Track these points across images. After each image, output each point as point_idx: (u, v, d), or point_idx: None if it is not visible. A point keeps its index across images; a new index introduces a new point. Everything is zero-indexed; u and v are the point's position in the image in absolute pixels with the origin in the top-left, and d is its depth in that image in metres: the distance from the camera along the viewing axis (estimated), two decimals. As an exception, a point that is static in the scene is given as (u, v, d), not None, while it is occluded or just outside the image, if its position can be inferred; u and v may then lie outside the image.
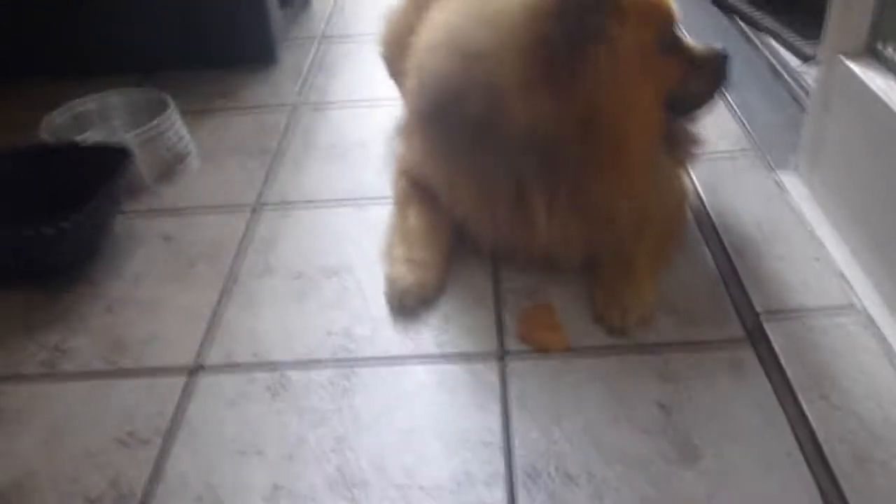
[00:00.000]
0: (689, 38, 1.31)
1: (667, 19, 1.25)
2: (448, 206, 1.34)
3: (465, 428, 1.08)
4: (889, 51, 1.20)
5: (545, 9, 1.15)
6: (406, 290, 1.28)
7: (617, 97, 1.17)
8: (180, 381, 1.18)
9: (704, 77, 1.31)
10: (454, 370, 1.18)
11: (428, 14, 1.52)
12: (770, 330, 1.14)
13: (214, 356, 1.23)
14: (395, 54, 1.74)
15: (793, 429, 1.04)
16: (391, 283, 1.30)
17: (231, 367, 1.21)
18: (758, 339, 1.17)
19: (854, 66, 1.23)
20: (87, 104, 1.80)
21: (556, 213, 1.25)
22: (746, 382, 1.12)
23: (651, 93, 1.23)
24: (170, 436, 1.10)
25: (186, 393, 1.16)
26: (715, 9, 2.18)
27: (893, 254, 1.14)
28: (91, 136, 1.76)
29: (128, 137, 1.61)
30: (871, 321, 1.14)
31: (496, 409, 1.11)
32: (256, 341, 1.25)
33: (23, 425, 1.13)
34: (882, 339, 1.11)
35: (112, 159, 1.47)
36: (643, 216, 1.28)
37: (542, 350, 1.20)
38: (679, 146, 1.33)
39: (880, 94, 1.16)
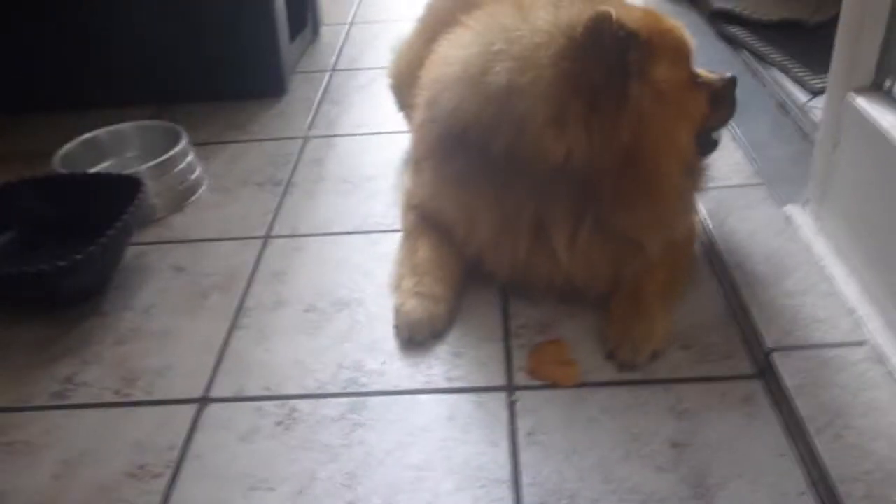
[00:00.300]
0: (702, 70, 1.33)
1: (691, 53, 1.28)
2: (463, 238, 1.35)
3: (477, 464, 1.08)
4: (896, 87, 1.21)
5: (577, 45, 1.17)
6: (416, 323, 1.28)
7: (659, 133, 1.20)
8: (191, 413, 1.19)
9: (722, 107, 1.34)
10: (465, 404, 1.18)
11: (436, 47, 1.54)
12: (781, 366, 1.14)
13: (225, 388, 1.23)
14: (405, 87, 1.76)
15: (805, 467, 1.04)
16: (401, 315, 1.30)
17: (242, 399, 1.21)
18: (769, 374, 1.16)
19: (862, 103, 1.24)
20: (101, 136, 1.82)
21: (580, 244, 1.26)
22: (759, 419, 1.12)
23: (688, 127, 1.26)
24: (181, 469, 1.10)
25: (197, 426, 1.17)
26: (723, 42, 2.19)
27: (904, 290, 1.14)
28: (105, 168, 1.78)
29: (141, 169, 1.63)
30: (883, 357, 1.13)
31: (507, 444, 1.10)
32: (267, 374, 1.25)
33: (34, 458, 1.13)
34: (894, 375, 1.10)
35: (125, 190, 1.49)
36: (667, 246, 1.29)
37: (553, 385, 1.20)
38: (694, 178, 1.34)
39: (888, 130, 1.16)
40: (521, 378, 1.21)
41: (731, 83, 1.35)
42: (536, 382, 1.20)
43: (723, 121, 1.38)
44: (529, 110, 1.19)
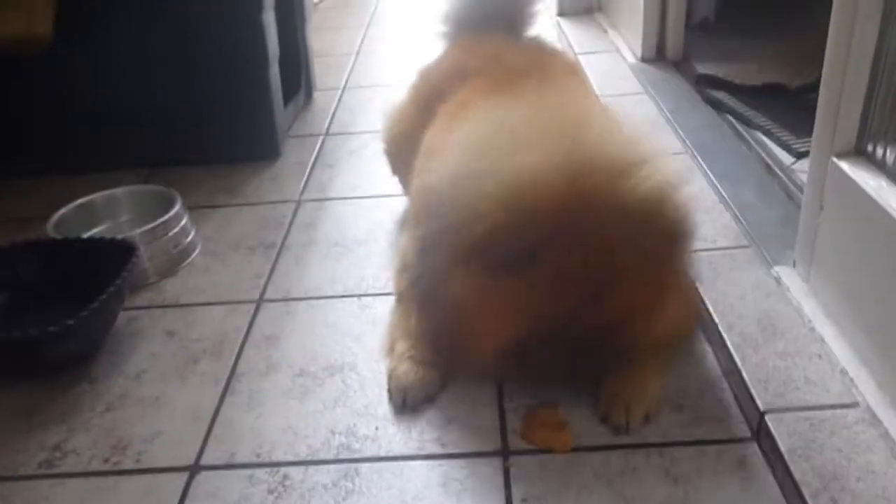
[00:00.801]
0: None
1: None
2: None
3: (470, 532, 1.06)
4: (879, 151, 1.24)
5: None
6: (409, 388, 1.28)
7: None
8: (181, 481, 1.17)
9: None
10: (458, 470, 1.16)
11: (432, 116, 1.57)
12: (775, 428, 1.13)
13: (216, 455, 1.22)
14: (398, 151, 1.80)
15: (803, 532, 1.03)
16: (394, 380, 1.30)
17: (233, 467, 1.19)
18: (763, 437, 1.16)
19: (845, 167, 1.26)
20: (95, 200, 1.83)
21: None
22: (754, 483, 1.11)
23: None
24: (169, 541, 1.08)
25: (187, 495, 1.15)
26: (707, 106, 2.24)
27: (893, 351, 1.15)
28: (99, 233, 1.79)
29: (135, 234, 1.63)
30: (876, 419, 1.13)
31: (501, 511, 1.09)
32: (259, 440, 1.24)
33: (19, 530, 1.11)
34: (888, 438, 1.10)
35: (118, 255, 1.49)
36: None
37: (545, 450, 1.19)
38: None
39: (872, 193, 1.19)
40: (515, 443, 1.20)
41: None
42: (531, 447, 1.20)
43: None
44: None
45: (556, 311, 1.14)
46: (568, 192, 1.10)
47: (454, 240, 1.18)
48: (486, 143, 1.23)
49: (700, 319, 1.40)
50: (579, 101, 1.35)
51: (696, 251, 1.52)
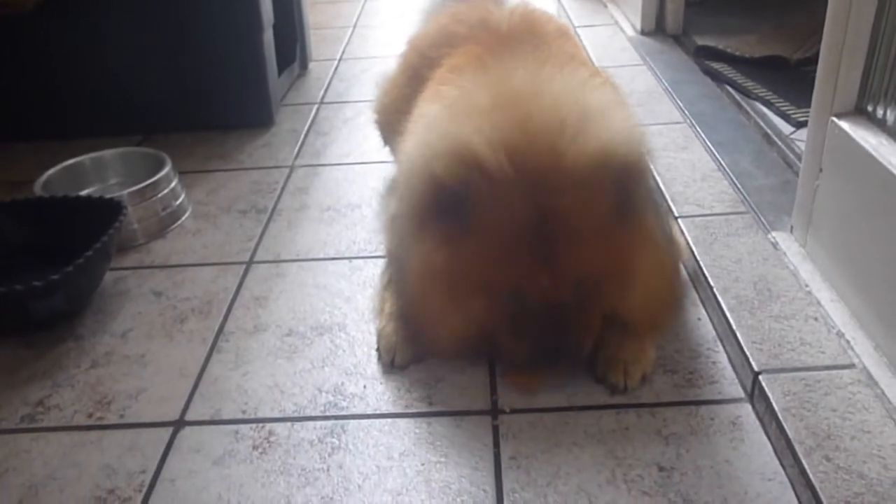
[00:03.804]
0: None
1: None
2: None
3: (458, 488, 1.04)
4: (879, 110, 1.21)
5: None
6: (397, 346, 1.26)
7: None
8: (165, 436, 1.15)
9: None
10: (446, 428, 1.15)
11: (422, 84, 1.53)
12: (769, 389, 1.12)
13: (201, 412, 1.20)
14: (388, 121, 1.76)
15: (795, 491, 1.01)
16: (382, 339, 1.28)
17: (218, 423, 1.18)
18: (757, 397, 1.14)
19: (845, 126, 1.24)
20: (84, 162, 1.81)
21: None
22: (746, 443, 1.09)
23: None
24: (151, 494, 1.06)
25: (170, 449, 1.13)
26: (706, 77, 2.22)
27: (891, 311, 1.13)
28: (87, 195, 1.76)
29: (123, 194, 1.61)
30: (871, 380, 1.11)
31: (489, 468, 1.07)
32: (245, 398, 1.22)
33: (-1, 482, 1.09)
34: (884, 398, 1.08)
35: (106, 214, 1.47)
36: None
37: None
38: None
39: (872, 151, 1.16)
40: (505, 401, 1.19)
41: None
42: (521, 407, 1.18)
43: None
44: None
45: (507, 278, 1.10)
46: (499, 150, 1.07)
47: (417, 199, 1.16)
48: (441, 116, 1.21)
49: (687, 285, 1.38)
50: (561, 62, 1.31)
51: (692, 216, 1.51)
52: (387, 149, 1.86)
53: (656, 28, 2.64)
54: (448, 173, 1.08)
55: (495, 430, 1.14)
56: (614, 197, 1.10)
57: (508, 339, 1.16)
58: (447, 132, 1.14)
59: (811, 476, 0.99)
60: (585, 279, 1.12)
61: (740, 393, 1.18)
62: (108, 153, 1.84)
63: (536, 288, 1.10)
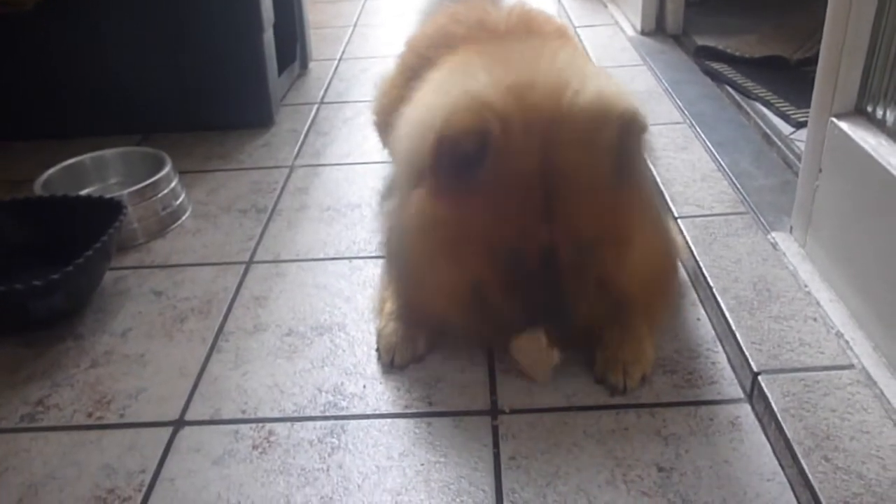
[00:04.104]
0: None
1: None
2: None
3: (458, 488, 1.05)
4: (878, 111, 1.22)
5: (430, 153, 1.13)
6: (397, 346, 1.26)
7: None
8: (164, 436, 1.15)
9: None
10: (446, 428, 1.15)
11: (420, 85, 1.53)
12: (768, 389, 1.12)
13: (201, 412, 1.20)
14: (387, 122, 1.76)
15: (794, 491, 1.01)
16: (382, 339, 1.28)
17: (218, 422, 1.18)
18: (756, 398, 1.14)
19: (844, 126, 1.24)
20: (84, 161, 1.81)
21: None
22: (746, 443, 1.09)
23: None
24: (151, 494, 1.06)
25: (170, 449, 1.13)
26: (706, 77, 2.22)
27: (891, 312, 1.13)
28: (87, 194, 1.76)
29: (123, 194, 1.61)
30: (871, 380, 1.11)
31: (489, 469, 1.07)
32: (245, 397, 1.22)
33: (-1, 482, 1.09)
34: (883, 399, 1.08)
35: (106, 213, 1.47)
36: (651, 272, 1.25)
37: (527, 374, 1.20)
38: None
39: (871, 152, 1.16)
40: (504, 402, 1.19)
41: None
42: (520, 407, 1.18)
43: None
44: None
45: (509, 231, 1.10)
46: (511, 103, 1.09)
47: (414, 158, 1.17)
48: (452, 74, 1.24)
49: (677, 278, 1.38)
50: (555, 52, 1.32)
51: (691, 217, 1.51)
52: (386, 150, 1.86)
53: (656, 28, 2.64)
54: (466, 123, 1.08)
55: (495, 430, 1.14)
56: (615, 155, 1.11)
57: (501, 296, 1.15)
58: (459, 87, 1.15)
59: (810, 476, 0.99)
60: (584, 238, 1.12)
61: (739, 393, 1.18)
62: (108, 153, 1.84)
63: (536, 242, 1.10)
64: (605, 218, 1.12)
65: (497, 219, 1.10)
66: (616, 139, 1.10)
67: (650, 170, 1.31)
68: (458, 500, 1.03)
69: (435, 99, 1.19)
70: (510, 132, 1.08)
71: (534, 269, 1.11)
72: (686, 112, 2.00)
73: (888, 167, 1.12)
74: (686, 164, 1.74)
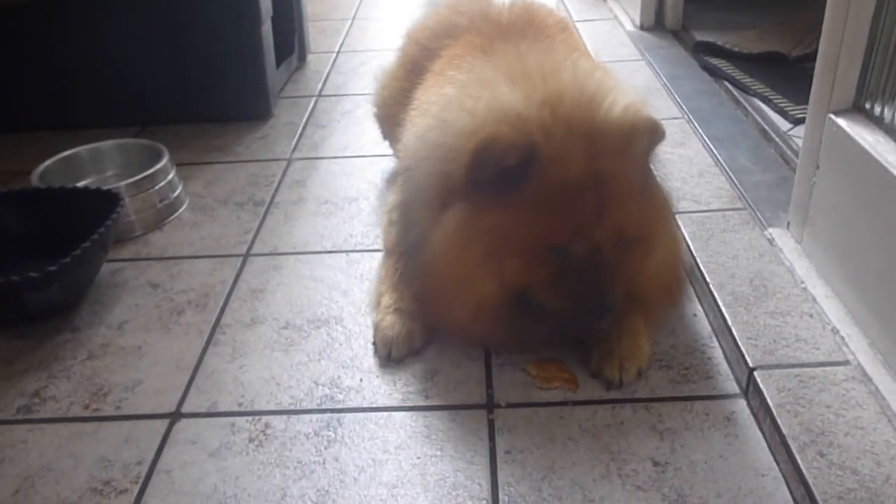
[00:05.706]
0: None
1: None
2: None
3: (454, 482, 1.05)
4: (877, 108, 1.22)
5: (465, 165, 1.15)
6: (394, 341, 1.26)
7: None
8: (161, 428, 1.15)
9: None
10: (442, 422, 1.15)
11: (421, 76, 1.53)
12: (764, 385, 1.12)
13: (197, 404, 1.20)
14: (387, 114, 1.76)
15: (788, 486, 1.02)
16: (380, 332, 1.28)
17: (214, 415, 1.18)
18: (752, 394, 1.15)
19: (842, 123, 1.24)
20: (81, 153, 1.81)
21: None
22: (741, 438, 1.10)
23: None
24: (148, 486, 1.06)
25: (167, 441, 1.13)
26: (704, 73, 2.22)
27: (887, 308, 1.13)
28: (84, 185, 1.76)
29: (120, 186, 1.61)
30: (866, 376, 1.12)
31: (484, 462, 1.08)
32: (241, 390, 1.22)
33: (-5, 473, 1.09)
34: (878, 395, 1.09)
35: (103, 205, 1.47)
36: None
37: (559, 386, 1.21)
38: None
39: (869, 149, 1.17)
40: (500, 396, 1.19)
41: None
42: (516, 401, 1.18)
43: None
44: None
45: (562, 233, 1.13)
46: (547, 117, 1.13)
47: (439, 179, 1.17)
48: (468, 88, 1.24)
49: (685, 278, 1.38)
50: (563, 52, 1.33)
51: (689, 212, 1.51)
52: (386, 143, 1.86)
53: (655, 23, 2.64)
54: (511, 139, 1.11)
55: (491, 424, 1.14)
56: (644, 161, 1.20)
57: (548, 294, 1.17)
58: (484, 102, 1.17)
59: (805, 472, 0.99)
60: (626, 237, 1.16)
61: (735, 389, 1.18)
62: (105, 144, 1.84)
63: (591, 242, 1.14)
64: (641, 218, 1.18)
65: (554, 222, 1.13)
66: (646, 148, 1.19)
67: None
68: (453, 493, 1.03)
69: (457, 117, 1.20)
70: (553, 145, 1.12)
71: (581, 268, 1.14)
72: (684, 107, 2.00)
73: (886, 164, 1.12)
74: (683, 160, 1.74)
